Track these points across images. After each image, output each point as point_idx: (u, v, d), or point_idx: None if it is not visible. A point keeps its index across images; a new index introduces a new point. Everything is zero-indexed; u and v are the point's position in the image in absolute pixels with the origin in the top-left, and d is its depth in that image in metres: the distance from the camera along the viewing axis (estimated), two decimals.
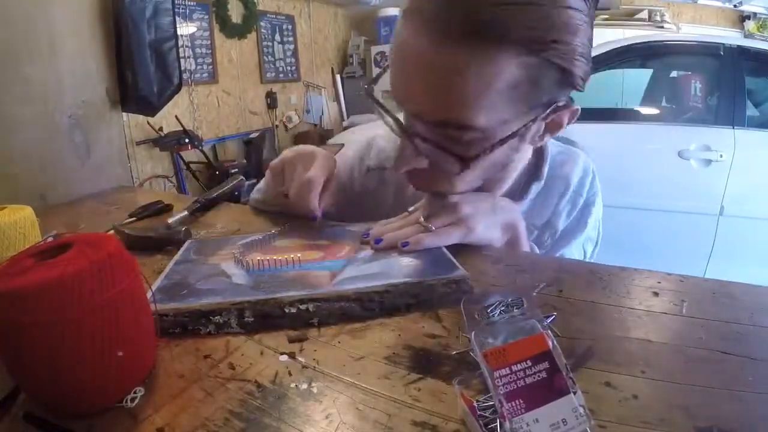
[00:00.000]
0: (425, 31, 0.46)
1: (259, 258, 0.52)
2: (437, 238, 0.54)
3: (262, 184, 0.78)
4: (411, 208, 0.61)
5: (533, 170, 0.70)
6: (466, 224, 0.56)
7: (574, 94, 0.54)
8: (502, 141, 0.50)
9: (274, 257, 0.53)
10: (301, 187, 0.62)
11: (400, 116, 0.54)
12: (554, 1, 0.44)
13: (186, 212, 0.76)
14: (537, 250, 0.66)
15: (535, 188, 0.69)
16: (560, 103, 0.52)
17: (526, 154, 0.67)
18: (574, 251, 0.71)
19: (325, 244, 0.59)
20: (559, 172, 0.71)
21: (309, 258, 0.54)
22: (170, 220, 0.72)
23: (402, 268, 0.51)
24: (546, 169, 0.69)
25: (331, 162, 0.67)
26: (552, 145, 0.73)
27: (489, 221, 0.58)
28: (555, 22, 0.45)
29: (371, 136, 0.82)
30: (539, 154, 0.71)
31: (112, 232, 0.66)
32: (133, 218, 0.78)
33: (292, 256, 0.53)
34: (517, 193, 0.69)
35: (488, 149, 0.50)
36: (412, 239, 0.54)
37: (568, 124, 0.56)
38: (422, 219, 0.57)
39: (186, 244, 0.61)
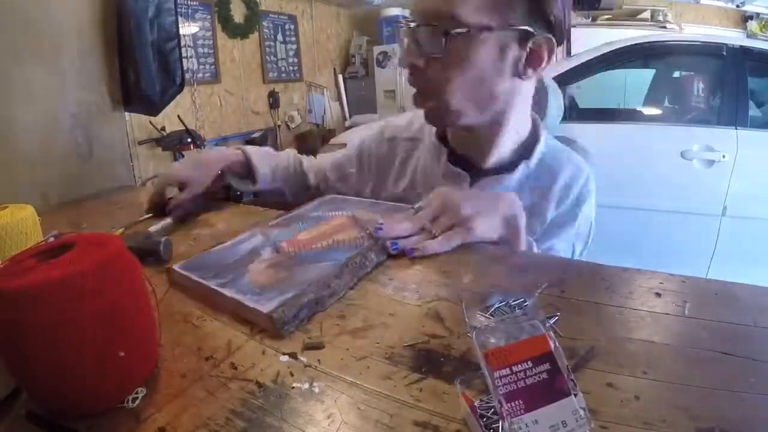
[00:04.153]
0: None
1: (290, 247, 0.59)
2: (440, 244, 0.57)
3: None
4: (416, 205, 0.64)
5: (526, 149, 0.75)
6: (467, 226, 0.58)
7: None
8: (479, 29, 0.61)
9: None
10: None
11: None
12: None
13: (169, 220, 0.75)
14: (534, 245, 0.66)
15: (524, 167, 0.73)
16: (535, 32, 0.62)
17: (517, 101, 0.71)
18: (563, 244, 0.72)
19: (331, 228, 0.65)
20: (553, 161, 0.75)
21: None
22: (151, 229, 0.71)
23: None
24: (537, 153, 0.74)
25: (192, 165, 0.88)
26: (549, 140, 0.77)
27: (490, 218, 0.60)
28: None
29: (389, 120, 0.97)
30: (533, 133, 0.76)
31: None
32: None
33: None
34: (506, 165, 0.74)
35: (467, 29, 0.61)
36: (419, 246, 0.57)
37: (548, 59, 0.66)
38: (427, 224, 0.59)
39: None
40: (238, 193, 0.93)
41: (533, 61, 0.65)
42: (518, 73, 0.66)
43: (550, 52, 0.65)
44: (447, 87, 0.66)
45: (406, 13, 5.51)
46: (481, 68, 0.64)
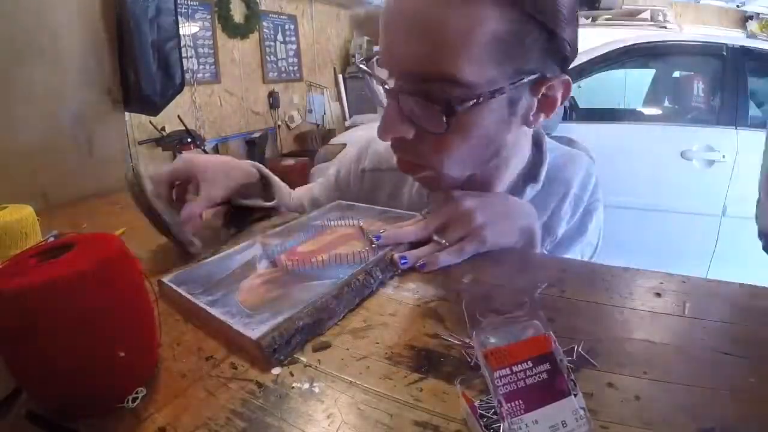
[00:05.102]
0: None
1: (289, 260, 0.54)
2: (451, 256, 0.53)
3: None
4: (424, 211, 0.60)
5: (530, 171, 0.68)
6: (479, 236, 0.55)
7: (577, 96, 0.54)
8: (490, 94, 0.49)
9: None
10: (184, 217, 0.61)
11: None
12: None
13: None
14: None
15: (531, 191, 0.67)
16: (549, 75, 0.52)
17: (521, 143, 0.65)
18: (573, 256, 0.69)
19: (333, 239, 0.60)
20: (560, 174, 0.69)
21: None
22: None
23: None
24: (544, 171, 0.68)
25: (220, 185, 0.67)
26: (553, 148, 0.72)
27: (503, 227, 0.57)
28: None
29: (371, 138, 0.81)
30: (538, 154, 0.69)
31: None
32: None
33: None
34: (512, 193, 0.67)
35: (474, 99, 0.49)
36: (429, 260, 0.53)
37: (563, 99, 0.56)
38: (435, 235, 0.56)
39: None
40: (247, 214, 0.75)
41: (546, 106, 0.55)
42: (528, 123, 0.56)
43: (566, 92, 0.55)
44: (445, 159, 0.55)
45: None
46: (486, 133, 0.54)
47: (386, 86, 0.53)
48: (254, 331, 0.40)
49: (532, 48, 0.49)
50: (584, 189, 0.70)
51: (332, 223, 0.65)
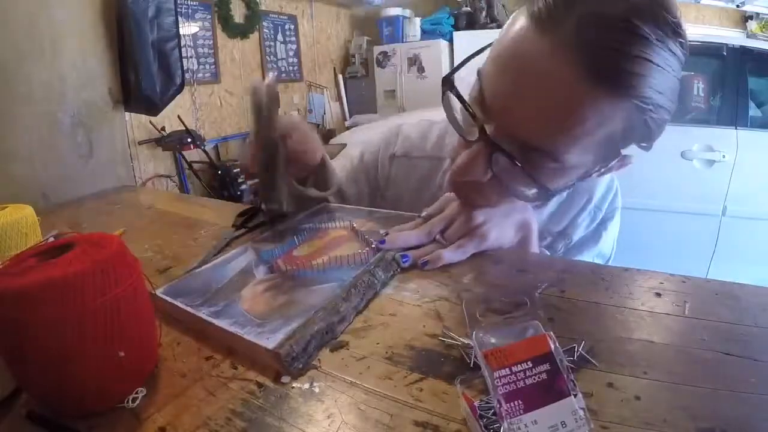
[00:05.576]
0: (560, 47, 0.41)
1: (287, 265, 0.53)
2: (453, 254, 0.54)
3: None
4: (424, 213, 0.60)
5: None
6: (479, 234, 0.55)
7: None
8: (579, 178, 0.50)
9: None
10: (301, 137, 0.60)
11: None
12: (676, 71, 0.44)
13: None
14: (546, 254, 0.65)
15: (556, 200, 0.67)
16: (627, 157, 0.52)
17: None
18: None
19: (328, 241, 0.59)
20: (584, 184, 0.67)
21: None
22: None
23: None
24: None
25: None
26: None
27: (502, 225, 0.57)
28: (673, 89, 0.45)
29: (398, 124, 0.80)
30: None
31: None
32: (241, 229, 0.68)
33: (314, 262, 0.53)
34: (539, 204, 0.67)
35: (570, 185, 0.51)
36: (431, 257, 0.53)
37: (616, 173, 0.57)
38: (437, 234, 0.56)
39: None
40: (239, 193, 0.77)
41: (610, 169, 0.54)
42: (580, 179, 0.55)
43: (621, 168, 0.54)
44: (494, 199, 0.55)
45: (407, 13, 5.51)
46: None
47: (484, 131, 0.48)
48: (269, 340, 0.38)
49: (631, 141, 0.49)
50: (604, 198, 0.71)
51: (323, 225, 0.64)
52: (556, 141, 0.46)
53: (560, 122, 0.44)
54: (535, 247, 0.60)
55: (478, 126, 0.48)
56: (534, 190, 0.50)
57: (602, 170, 0.53)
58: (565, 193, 0.67)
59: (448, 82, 0.51)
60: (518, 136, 0.47)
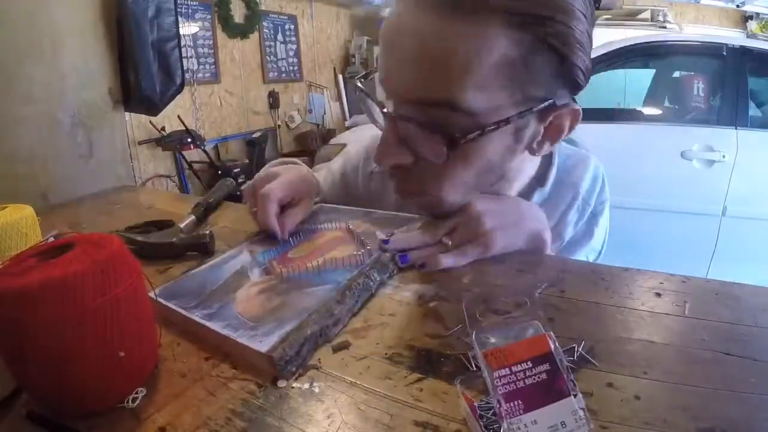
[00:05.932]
0: (413, 5, 0.45)
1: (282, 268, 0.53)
2: (454, 259, 0.52)
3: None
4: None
5: (538, 176, 0.66)
6: (483, 242, 0.53)
7: (577, 96, 0.52)
8: (495, 125, 0.46)
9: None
10: (260, 205, 0.60)
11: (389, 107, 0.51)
12: None
13: (193, 217, 0.72)
14: None
15: (539, 195, 0.65)
16: (559, 102, 0.49)
17: (525, 165, 0.62)
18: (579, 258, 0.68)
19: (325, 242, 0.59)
20: (568, 178, 0.67)
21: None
22: (182, 225, 0.69)
23: None
24: (552, 176, 0.66)
25: (299, 179, 0.65)
26: (560, 150, 0.69)
27: (511, 234, 0.55)
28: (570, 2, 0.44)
29: (376, 135, 0.79)
30: (546, 157, 0.66)
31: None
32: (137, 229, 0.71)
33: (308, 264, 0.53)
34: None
35: (479, 131, 0.46)
36: (429, 260, 0.52)
37: (570, 129, 0.52)
38: (444, 236, 0.55)
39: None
40: (239, 193, 0.84)
41: (552, 134, 0.52)
42: (532, 151, 0.53)
43: (574, 122, 0.52)
44: (446, 186, 0.53)
45: None
46: (489, 161, 0.51)
47: (385, 110, 0.50)
48: (262, 343, 0.38)
49: (542, 73, 0.46)
50: (591, 192, 0.68)
51: (318, 226, 0.64)
52: (443, 87, 0.45)
53: (436, 65, 0.44)
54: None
55: (379, 107, 0.50)
56: (444, 147, 0.47)
57: (534, 119, 0.50)
58: (547, 189, 0.65)
59: (355, 83, 0.55)
60: (411, 99, 0.47)
